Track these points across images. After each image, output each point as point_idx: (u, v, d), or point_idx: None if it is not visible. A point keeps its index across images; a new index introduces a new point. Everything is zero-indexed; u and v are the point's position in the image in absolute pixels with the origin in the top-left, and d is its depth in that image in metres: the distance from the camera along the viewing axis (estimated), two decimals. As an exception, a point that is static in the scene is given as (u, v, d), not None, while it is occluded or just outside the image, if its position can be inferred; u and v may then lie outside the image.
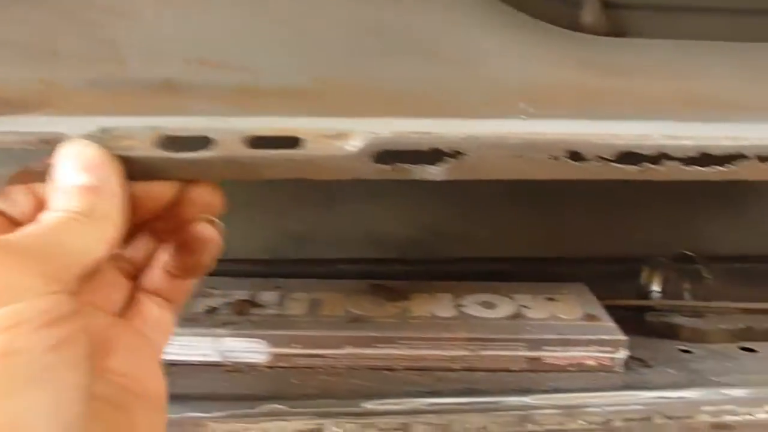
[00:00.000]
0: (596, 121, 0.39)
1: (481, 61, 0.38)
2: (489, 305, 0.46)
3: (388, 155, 0.31)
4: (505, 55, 0.39)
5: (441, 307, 0.46)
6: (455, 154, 0.32)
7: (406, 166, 0.32)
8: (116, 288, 0.30)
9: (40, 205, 0.26)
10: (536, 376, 0.42)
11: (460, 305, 0.46)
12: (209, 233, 0.30)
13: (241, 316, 0.45)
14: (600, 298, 0.50)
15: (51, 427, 0.20)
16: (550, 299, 0.48)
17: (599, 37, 0.47)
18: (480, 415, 0.39)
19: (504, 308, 0.46)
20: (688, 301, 0.51)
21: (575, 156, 0.34)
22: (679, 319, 0.49)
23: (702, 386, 0.42)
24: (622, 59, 0.44)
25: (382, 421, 0.39)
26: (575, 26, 0.49)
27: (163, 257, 0.30)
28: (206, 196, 0.29)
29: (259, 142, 0.30)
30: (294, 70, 0.34)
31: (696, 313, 0.50)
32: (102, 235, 0.24)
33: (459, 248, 0.54)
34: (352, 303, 0.46)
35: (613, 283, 0.54)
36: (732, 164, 0.36)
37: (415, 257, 0.53)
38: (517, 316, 0.45)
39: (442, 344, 0.43)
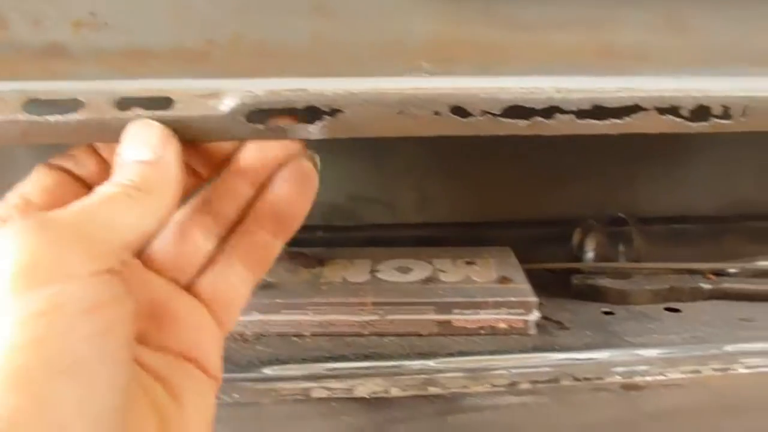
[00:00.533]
0: (494, 76, 0.38)
1: (379, 18, 0.37)
2: (404, 270, 0.45)
3: (262, 114, 0.30)
4: (404, 11, 0.38)
5: (355, 272, 0.45)
6: (332, 111, 0.31)
7: (282, 125, 0.31)
8: (195, 250, 0.28)
9: (106, 169, 0.27)
10: (446, 340, 0.41)
11: (375, 270, 0.45)
12: (304, 171, 0.30)
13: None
14: (530, 261, 0.49)
15: (80, 418, 0.19)
16: (469, 263, 0.47)
17: None
18: (382, 379, 0.39)
19: (418, 272, 0.45)
20: (613, 263, 0.51)
21: (459, 111, 0.33)
22: (604, 281, 0.48)
23: (615, 347, 0.42)
24: (529, 11, 0.42)
25: (282, 387, 0.38)
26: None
27: (252, 216, 0.30)
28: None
29: (128, 103, 0.29)
30: (181, 30, 0.33)
31: (622, 275, 0.49)
32: (154, 210, 0.24)
33: (384, 215, 0.53)
34: (267, 271, 0.45)
35: (546, 247, 0.54)
36: (629, 117, 0.35)
37: (338, 224, 0.52)
38: (430, 280, 0.44)
39: (350, 309, 0.42)
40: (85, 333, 0.20)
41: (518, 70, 0.40)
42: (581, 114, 0.34)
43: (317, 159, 0.32)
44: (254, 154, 0.30)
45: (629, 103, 0.35)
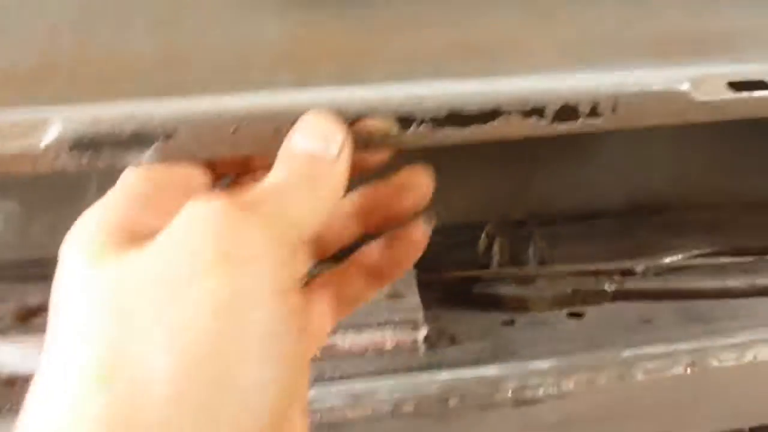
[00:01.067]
0: (351, 84, 0.36)
1: (231, 29, 0.35)
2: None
3: (90, 144, 0.28)
4: (257, 21, 0.36)
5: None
6: (164, 136, 0.29)
7: (112, 153, 0.29)
8: None
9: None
10: (327, 365, 0.39)
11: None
12: (420, 235, 0.28)
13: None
14: (433, 270, 0.47)
15: (277, 398, 0.20)
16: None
17: None
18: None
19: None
20: (513, 269, 0.49)
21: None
22: (504, 289, 0.46)
23: (507, 360, 0.40)
24: (390, 13, 0.40)
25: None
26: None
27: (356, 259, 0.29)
28: (421, 178, 0.30)
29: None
30: (16, 49, 0.30)
31: (526, 281, 0.47)
32: (322, 205, 0.23)
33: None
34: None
35: (453, 254, 0.52)
36: (489, 123, 0.33)
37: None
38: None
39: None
40: (282, 314, 0.20)
41: (378, 75, 0.38)
42: (437, 122, 0.32)
43: (433, 220, 0.30)
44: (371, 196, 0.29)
45: (488, 107, 0.33)
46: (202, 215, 0.20)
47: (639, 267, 0.49)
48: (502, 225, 0.53)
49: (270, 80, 0.33)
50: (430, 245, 0.52)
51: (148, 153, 0.29)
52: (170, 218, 0.21)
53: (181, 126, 0.29)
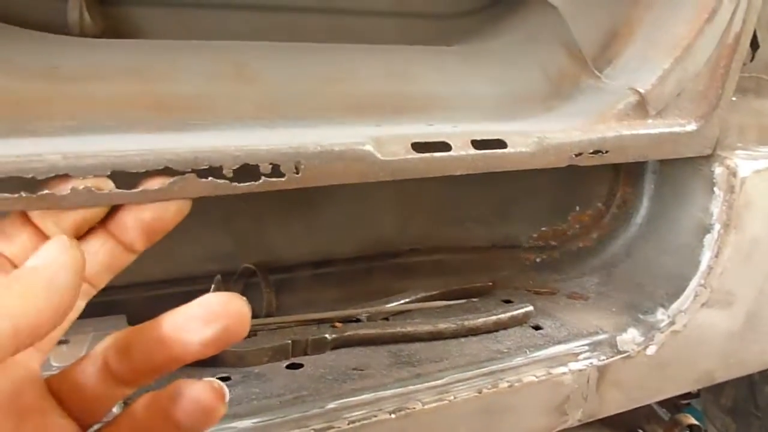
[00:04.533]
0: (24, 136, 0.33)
1: None
2: None
3: None
4: None
5: None
6: None
7: None
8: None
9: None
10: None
11: None
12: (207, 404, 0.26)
13: None
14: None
15: None
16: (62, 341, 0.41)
17: (68, 37, 0.41)
18: None
19: None
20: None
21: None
22: (221, 344, 0.45)
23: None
24: (73, 61, 0.38)
25: None
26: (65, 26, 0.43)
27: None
28: None
29: None
30: None
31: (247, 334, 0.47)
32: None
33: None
34: None
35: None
36: (161, 181, 0.31)
37: None
38: None
39: None
40: None
41: (59, 128, 0.35)
42: (98, 183, 0.30)
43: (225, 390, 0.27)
44: None
45: (158, 166, 0.31)
46: None
47: (362, 313, 0.51)
48: (229, 276, 0.52)
49: None
50: (148, 298, 0.50)
51: None
52: None
53: None
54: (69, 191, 0.29)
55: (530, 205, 0.61)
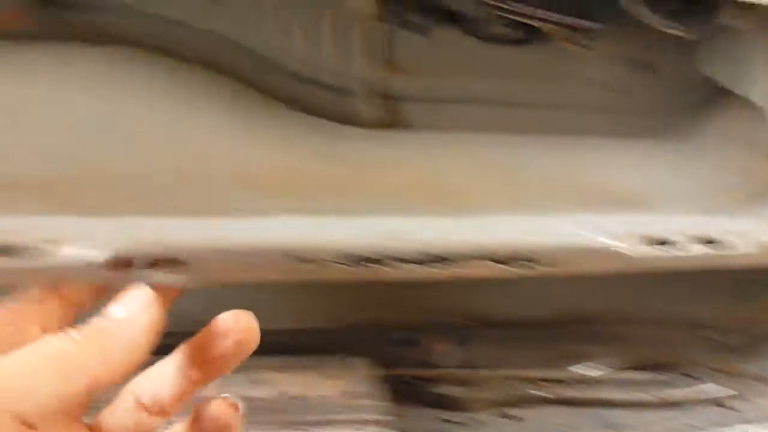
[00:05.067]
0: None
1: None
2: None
3: None
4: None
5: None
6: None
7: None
8: None
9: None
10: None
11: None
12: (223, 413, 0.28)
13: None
14: (385, 368, 0.51)
15: None
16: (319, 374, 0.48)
17: (353, 128, 0.48)
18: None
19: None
20: (459, 371, 0.54)
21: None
22: (445, 389, 0.52)
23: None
24: (368, 151, 0.45)
25: None
26: (350, 117, 0.50)
27: None
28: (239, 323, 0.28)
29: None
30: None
31: (463, 382, 0.53)
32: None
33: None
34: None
35: (400, 353, 0.56)
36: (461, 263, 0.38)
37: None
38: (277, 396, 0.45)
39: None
40: None
41: (342, 207, 0.40)
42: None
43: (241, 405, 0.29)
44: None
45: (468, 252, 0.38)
46: None
47: (562, 375, 0.55)
48: (437, 327, 0.58)
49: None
50: (375, 342, 0.57)
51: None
52: None
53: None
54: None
55: (719, 285, 0.63)
